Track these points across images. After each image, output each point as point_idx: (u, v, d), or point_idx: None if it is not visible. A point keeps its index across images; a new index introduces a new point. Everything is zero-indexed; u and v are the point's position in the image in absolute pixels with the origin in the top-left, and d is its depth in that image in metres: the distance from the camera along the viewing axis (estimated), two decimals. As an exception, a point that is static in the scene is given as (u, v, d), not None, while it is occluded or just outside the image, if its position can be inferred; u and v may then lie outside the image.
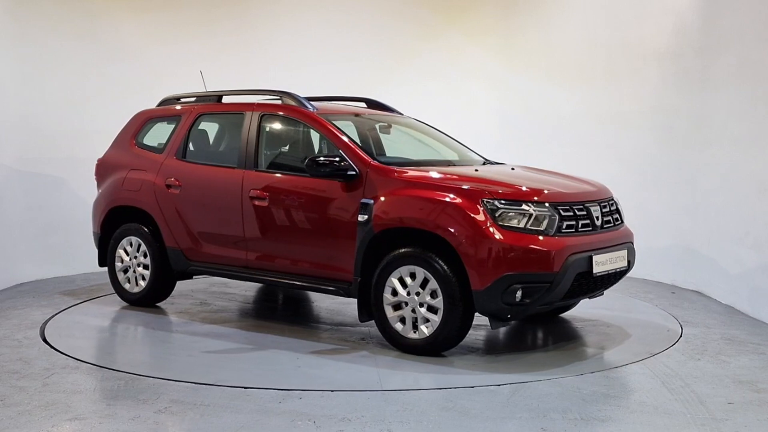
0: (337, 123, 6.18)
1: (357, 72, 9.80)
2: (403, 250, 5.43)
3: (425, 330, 5.36)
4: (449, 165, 6.24)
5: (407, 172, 5.65)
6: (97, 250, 7.27)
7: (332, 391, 4.65)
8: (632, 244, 5.94)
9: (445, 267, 5.23)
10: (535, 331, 6.25)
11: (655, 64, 8.33)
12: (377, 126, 6.82)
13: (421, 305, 5.35)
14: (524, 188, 5.44)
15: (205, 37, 9.50)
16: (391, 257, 5.46)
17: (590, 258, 5.32)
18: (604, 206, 5.77)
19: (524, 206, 5.24)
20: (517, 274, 5.08)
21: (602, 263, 5.44)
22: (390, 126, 6.91)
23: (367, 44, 9.99)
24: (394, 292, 5.45)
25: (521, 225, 5.19)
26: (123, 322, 6.53)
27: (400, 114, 7.27)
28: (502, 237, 5.11)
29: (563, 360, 5.40)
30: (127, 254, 6.98)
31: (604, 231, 5.64)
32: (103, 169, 7.36)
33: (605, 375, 5.04)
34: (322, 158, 5.72)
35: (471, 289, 5.16)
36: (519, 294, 5.12)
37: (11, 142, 8.14)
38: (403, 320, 5.45)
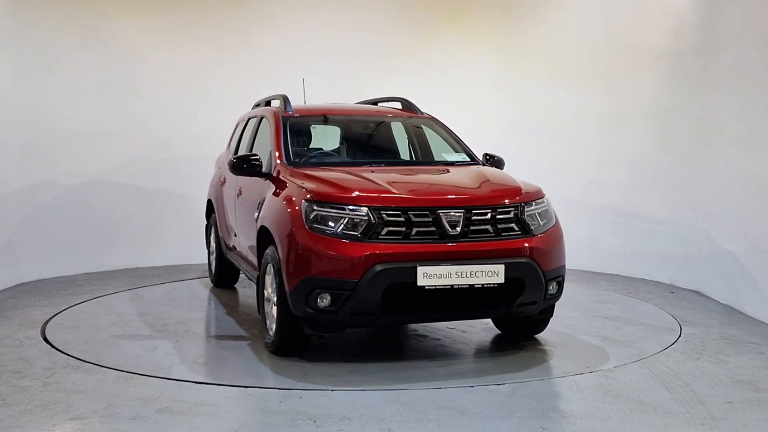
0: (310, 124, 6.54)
1: (357, 72, 9.81)
2: (269, 248, 5.44)
3: (273, 329, 5.37)
4: (373, 166, 5.96)
5: (290, 174, 5.63)
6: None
7: (332, 390, 4.67)
8: (528, 259, 5.12)
9: (278, 267, 5.21)
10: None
11: (655, 65, 8.34)
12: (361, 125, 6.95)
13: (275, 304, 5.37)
14: (346, 191, 5.13)
15: (207, 39, 9.51)
16: (266, 255, 5.51)
17: (413, 268, 4.87)
18: (482, 213, 5.13)
19: (338, 209, 5.01)
20: (317, 278, 4.91)
21: (439, 276, 4.88)
22: (377, 126, 6.90)
23: (368, 45, 9.99)
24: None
25: (335, 228, 4.97)
26: (124, 321, 6.53)
27: (422, 115, 6.99)
28: (305, 239, 4.98)
29: (562, 359, 5.42)
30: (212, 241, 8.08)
31: (464, 241, 5.04)
32: (216, 166, 8.21)
33: (604, 374, 5.05)
34: (241, 157, 5.99)
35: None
36: (325, 300, 4.91)
37: (12, 142, 8.14)
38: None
